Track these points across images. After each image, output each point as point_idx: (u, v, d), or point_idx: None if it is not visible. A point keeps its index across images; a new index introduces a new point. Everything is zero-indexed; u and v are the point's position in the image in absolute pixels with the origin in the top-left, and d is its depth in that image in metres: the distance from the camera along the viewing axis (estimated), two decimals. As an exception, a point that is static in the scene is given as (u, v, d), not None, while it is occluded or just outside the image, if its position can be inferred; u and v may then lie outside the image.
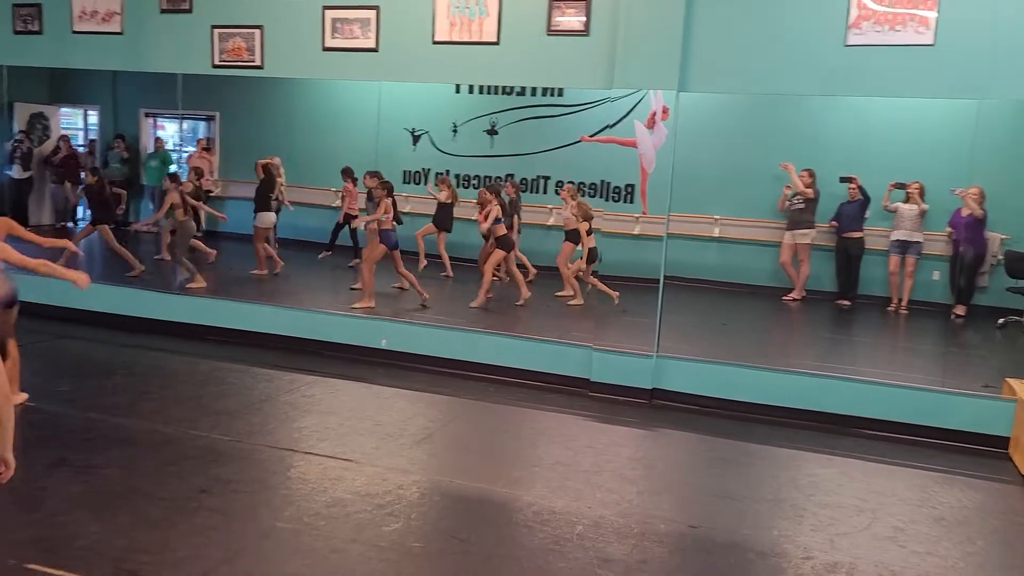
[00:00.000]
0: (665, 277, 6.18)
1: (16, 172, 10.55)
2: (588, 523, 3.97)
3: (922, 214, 8.68)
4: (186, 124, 11.66)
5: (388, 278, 8.16)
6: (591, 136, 7.56)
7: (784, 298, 9.13)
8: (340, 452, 4.70)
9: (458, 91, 10.23)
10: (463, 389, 6.16)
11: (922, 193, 8.67)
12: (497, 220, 7.94)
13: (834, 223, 9.11)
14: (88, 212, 8.96)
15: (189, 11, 7.07)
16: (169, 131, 11.81)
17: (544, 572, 3.50)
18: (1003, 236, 8.57)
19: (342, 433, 5.04)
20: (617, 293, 6.64)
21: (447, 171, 10.19)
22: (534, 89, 10.01)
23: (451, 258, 9.36)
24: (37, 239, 5.57)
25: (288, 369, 6.35)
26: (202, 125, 11.61)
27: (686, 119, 6.07)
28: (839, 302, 9.06)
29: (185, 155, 11.23)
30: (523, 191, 9.90)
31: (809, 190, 8.91)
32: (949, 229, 8.67)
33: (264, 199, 9.04)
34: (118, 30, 7.31)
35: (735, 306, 9.16)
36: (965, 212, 8.25)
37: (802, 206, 8.99)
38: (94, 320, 7.41)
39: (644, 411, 5.91)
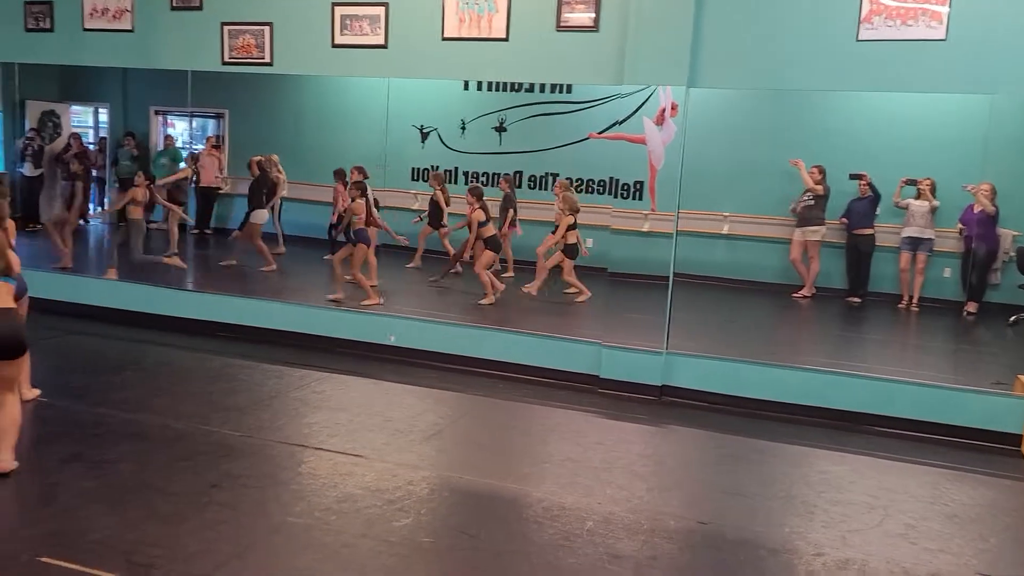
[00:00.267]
0: (674, 274, 6.17)
1: (28, 170, 10.59)
2: (598, 519, 3.97)
3: (933, 211, 8.62)
4: (195, 122, 11.68)
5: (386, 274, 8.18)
6: (600, 133, 7.55)
7: (794, 295, 9.09)
8: (350, 448, 4.71)
9: (467, 88, 10.22)
10: (472, 385, 6.17)
11: (933, 190, 8.61)
12: (483, 223, 7.90)
13: (844, 220, 9.06)
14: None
15: (199, 8, 7.09)
16: (178, 129, 11.84)
17: (554, 568, 3.50)
18: (1015, 233, 8.50)
19: (352, 429, 5.05)
20: (588, 294, 6.66)
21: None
22: (543, 86, 9.97)
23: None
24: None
25: (298, 365, 6.37)
26: (211, 123, 11.64)
27: (695, 115, 6.05)
28: (849, 299, 9.01)
29: (192, 152, 11.25)
30: (531, 188, 9.90)
31: (819, 187, 8.87)
32: (961, 226, 8.61)
33: (258, 196, 9.06)
34: (129, 27, 7.34)
35: (745, 303, 9.14)
36: (977, 208, 8.18)
37: (812, 203, 8.95)
38: (105, 316, 7.46)
39: (653, 408, 5.90)
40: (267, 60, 6.98)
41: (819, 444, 5.30)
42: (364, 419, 5.25)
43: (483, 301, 7.78)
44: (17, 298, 4.50)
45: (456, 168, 10.37)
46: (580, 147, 9.61)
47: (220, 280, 8.65)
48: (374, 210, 7.86)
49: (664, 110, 5.95)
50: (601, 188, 9.83)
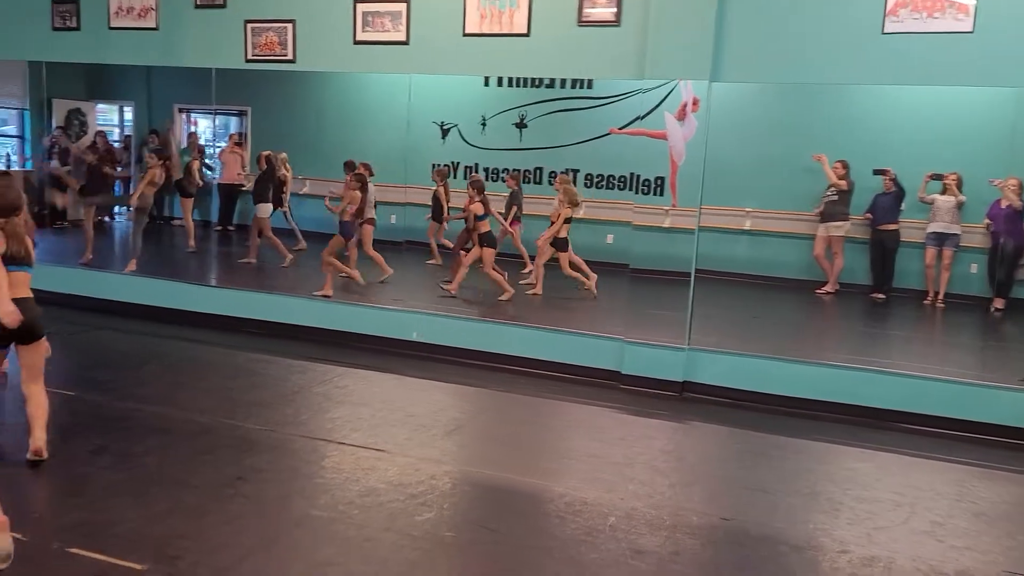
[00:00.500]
0: (696, 270, 6.14)
1: (54, 167, 10.73)
2: (620, 515, 3.96)
3: (959, 206, 8.52)
4: (218, 119, 11.78)
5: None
6: (620, 129, 7.52)
7: (817, 291, 9.02)
8: (372, 442, 4.73)
9: (487, 84, 10.22)
10: (493, 381, 6.18)
11: (959, 184, 8.51)
12: (480, 217, 7.87)
13: (869, 215, 8.98)
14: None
15: (223, 6, 7.14)
16: (201, 126, 11.94)
17: (576, 563, 3.50)
18: (1043, 227, 8.39)
19: (374, 424, 5.07)
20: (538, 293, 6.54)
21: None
22: (563, 81, 9.97)
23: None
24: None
25: (321, 360, 6.41)
26: (234, 120, 11.73)
27: (717, 110, 6.01)
28: (874, 295, 8.93)
29: (218, 150, 11.36)
30: (551, 185, 9.88)
31: (843, 182, 8.79)
32: (987, 221, 8.49)
33: (263, 190, 9.16)
34: (153, 26, 7.40)
35: (767, 299, 9.08)
36: (1004, 203, 8.07)
37: (836, 198, 8.87)
38: (129, 312, 7.54)
39: (675, 404, 5.88)
40: (290, 57, 7.02)
41: (844, 441, 5.26)
42: (386, 414, 5.27)
43: (502, 297, 7.78)
44: None
45: (476, 164, 10.39)
46: (601, 143, 9.59)
47: (242, 276, 8.72)
48: (370, 208, 7.96)
49: (685, 105, 5.92)
50: (622, 184, 9.81)
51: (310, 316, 7.13)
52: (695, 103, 5.88)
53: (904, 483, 4.56)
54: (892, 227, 8.83)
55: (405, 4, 6.57)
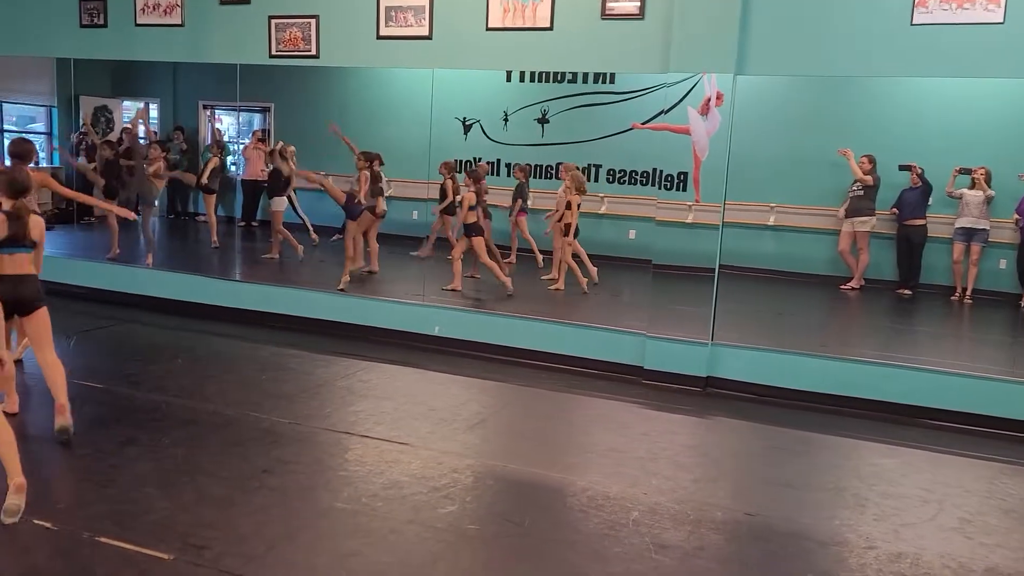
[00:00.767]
0: (720, 266, 6.10)
1: (82, 164, 10.88)
2: (643, 509, 3.95)
3: (988, 200, 8.41)
4: (242, 116, 11.87)
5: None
6: (643, 123, 7.49)
7: (842, 287, 8.94)
8: (395, 436, 4.75)
9: (509, 79, 10.22)
10: (515, 375, 6.18)
11: (988, 179, 8.39)
12: (472, 207, 7.80)
13: (895, 210, 8.88)
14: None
15: (247, 2, 7.18)
16: (225, 123, 12.04)
17: (599, 557, 3.50)
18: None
19: (397, 417, 5.09)
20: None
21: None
22: (585, 76, 9.94)
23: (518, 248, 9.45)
24: (71, 194, 6.11)
25: (344, 355, 6.44)
26: (257, 117, 11.82)
27: (741, 103, 5.96)
28: (900, 291, 8.84)
29: (241, 147, 11.45)
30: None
31: (868, 177, 8.70)
32: (1017, 216, 8.38)
33: (276, 184, 9.27)
34: (179, 22, 7.47)
35: (791, 295, 9.01)
36: (1034, 198, 7.97)
37: (861, 193, 8.78)
38: (159, 306, 7.63)
39: (698, 399, 5.85)
40: (313, 53, 7.05)
41: (869, 437, 5.21)
42: (409, 408, 5.29)
43: (505, 288, 7.74)
44: None
45: (498, 160, 10.39)
46: (623, 138, 9.55)
47: (266, 271, 8.79)
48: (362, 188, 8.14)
49: (709, 100, 5.88)
50: (645, 179, 9.78)
51: (333, 311, 7.17)
52: (719, 97, 5.84)
53: (931, 479, 4.51)
54: (919, 222, 8.72)
55: (428, -1, 6.57)
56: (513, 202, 9.15)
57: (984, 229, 8.44)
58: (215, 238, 9.83)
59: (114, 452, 4.31)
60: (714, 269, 6.06)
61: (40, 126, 11.02)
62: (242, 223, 11.14)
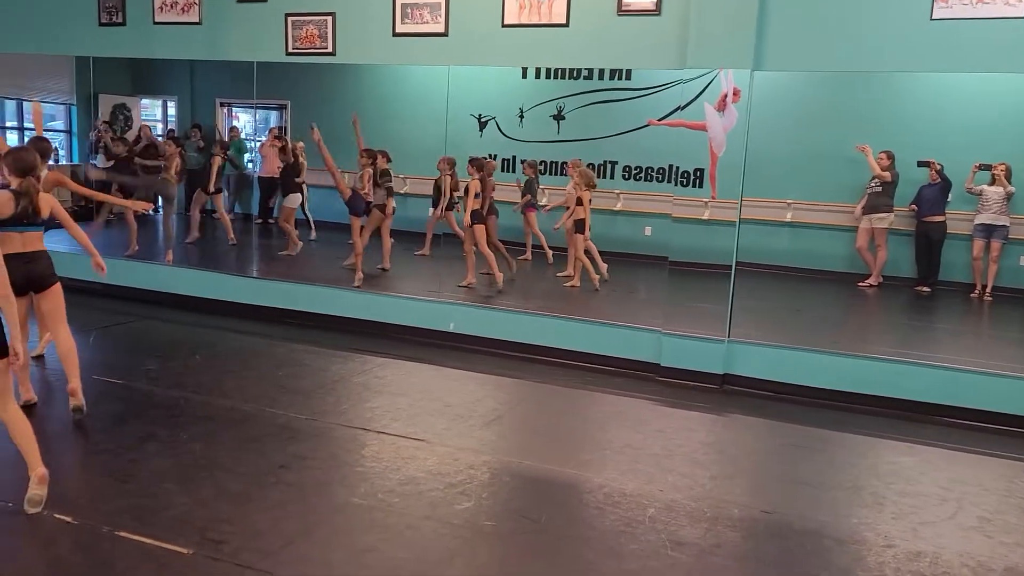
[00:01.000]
0: (736, 262, 6.07)
1: (100, 162, 10.97)
2: (660, 506, 3.95)
3: (1008, 197, 8.32)
4: (259, 113, 11.93)
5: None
6: (659, 120, 7.46)
7: (860, 284, 8.88)
8: (411, 432, 4.77)
9: (525, 76, 10.20)
10: (531, 372, 6.18)
11: (1008, 175, 8.30)
12: (476, 195, 7.76)
13: (914, 207, 8.80)
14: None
15: (264, 0, 7.22)
16: (242, 121, 12.11)
17: (615, 553, 3.49)
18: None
19: (413, 414, 5.11)
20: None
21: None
22: (601, 73, 9.91)
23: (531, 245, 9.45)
24: (88, 192, 6.18)
25: (359, 351, 6.47)
26: (273, 114, 11.87)
27: (759, 99, 5.93)
28: (919, 288, 8.76)
29: (258, 144, 11.51)
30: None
31: (887, 173, 8.63)
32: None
33: (289, 181, 9.36)
34: (196, 20, 7.51)
35: (809, 292, 8.96)
36: (1056, 194, 7.88)
37: (879, 189, 8.71)
38: (177, 303, 7.69)
39: (715, 396, 5.83)
40: (329, 50, 7.07)
41: (887, 435, 5.18)
42: (425, 404, 5.31)
43: (462, 283, 7.74)
44: None
45: (514, 157, 10.37)
46: (639, 134, 9.52)
47: (282, 267, 8.83)
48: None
49: (726, 96, 5.85)
50: (661, 176, 9.73)
51: (349, 307, 7.20)
52: (736, 93, 5.81)
53: (950, 478, 4.48)
54: (938, 219, 8.64)
55: (444, -5, 6.58)
56: (522, 197, 9.16)
57: (1004, 225, 8.36)
58: (232, 235, 9.88)
59: (133, 448, 4.35)
60: (731, 266, 6.03)
61: (60, 124, 11.13)
62: (259, 220, 11.20)
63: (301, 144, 9.60)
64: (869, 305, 8.70)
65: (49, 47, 8.28)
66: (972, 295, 8.52)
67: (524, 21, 6.35)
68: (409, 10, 6.71)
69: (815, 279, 9.29)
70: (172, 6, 7.56)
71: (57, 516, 3.54)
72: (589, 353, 6.38)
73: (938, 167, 8.55)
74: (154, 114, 12.67)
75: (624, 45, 6.15)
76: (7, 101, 10.46)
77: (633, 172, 10.03)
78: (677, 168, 6.13)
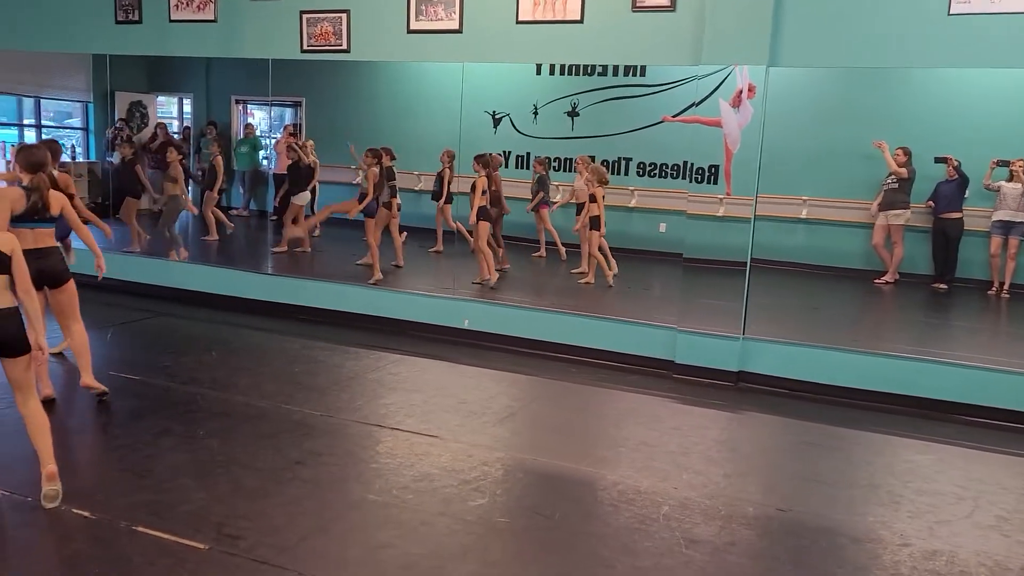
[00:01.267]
0: (752, 259, 6.04)
1: (116, 159, 11.05)
2: (674, 504, 3.94)
3: (1027, 193, 8.24)
4: (274, 111, 11.97)
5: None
6: (674, 116, 7.44)
7: (876, 281, 8.82)
8: (425, 428, 4.78)
9: (539, 73, 10.19)
10: (545, 369, 6.18)
11: (1027, 171, 8.23)
12: (483, 191, 7.74)
13: (931, 203, 8.74)
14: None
15: (279, -3, 7.25)
16: (257, 118, 12.16)
17: (629, 551, 3.49)
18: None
19: (427, 410, 5.12)
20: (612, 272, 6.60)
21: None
22: (616, 69, 9.88)
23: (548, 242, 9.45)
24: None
25: (373, 348, 6.49)
26: (288, 111, 11.91)
27: (774, 95, 5.89)
28: (936, 285, 8.69)
29: (273, 141, 11.55)
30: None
31: (903, 170, 8.56)
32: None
33: (297, 178, 9.39)
34: (212, 18, 7.55)
35: (824, 289, 8.91)
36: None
37: (896, 186, 8.65)
38: (193, 299, 7.74)
39: (730, 394, 5.82)
40: (344, 47, 7.09)
41: (903, 433, 5.15)
42: (439, 400, 5.32)
43: (476, 280, 7.72)
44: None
45: (528, 153, 10.36)
46: (654, 131, 9.49)
47: (296, 264, 8.87)
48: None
49: (741, 92, 5.82)
50: (675, 172, 9.70)
51: (363, 304, 7.23)
52: (751, 90, 5.78)
53: (966, 476, 4.45)
54: (955, 215, 8.57)
55: (458, -8, 6.57)
56: (534, 195, 9.15)
57: (1022, 222, 8.28)
58: (229, 231, 9.97)
59: (150, 443, 4.38)
60: (746, 263, 6.00)
61: (76, 121, 11.22)
62: (273, 217, 11.24)
63: (311, 143, 9.62)
64: (885, 302, 8.64)
65: (66, 45, 8.34)
66: (989, 292, 8.44)
67: (538, 17, 6.34)
68: (423, 7, 6.71)
69: (831, 276, 9.23)
70: (188, 4, 7.60)
71: (75, 511, 3.57)
72: (604, 350, 6.38)
73: (955, 163, 8.48)
74: (170, 111, 12.74)
75: (639, 41, 6.13)
76: (25, 99, 10.55)
77: (648, 169, 10.00)
78: (692, 165, 6.11)
